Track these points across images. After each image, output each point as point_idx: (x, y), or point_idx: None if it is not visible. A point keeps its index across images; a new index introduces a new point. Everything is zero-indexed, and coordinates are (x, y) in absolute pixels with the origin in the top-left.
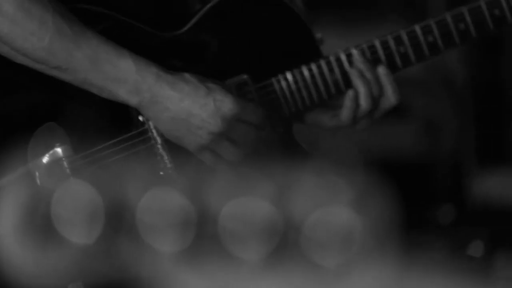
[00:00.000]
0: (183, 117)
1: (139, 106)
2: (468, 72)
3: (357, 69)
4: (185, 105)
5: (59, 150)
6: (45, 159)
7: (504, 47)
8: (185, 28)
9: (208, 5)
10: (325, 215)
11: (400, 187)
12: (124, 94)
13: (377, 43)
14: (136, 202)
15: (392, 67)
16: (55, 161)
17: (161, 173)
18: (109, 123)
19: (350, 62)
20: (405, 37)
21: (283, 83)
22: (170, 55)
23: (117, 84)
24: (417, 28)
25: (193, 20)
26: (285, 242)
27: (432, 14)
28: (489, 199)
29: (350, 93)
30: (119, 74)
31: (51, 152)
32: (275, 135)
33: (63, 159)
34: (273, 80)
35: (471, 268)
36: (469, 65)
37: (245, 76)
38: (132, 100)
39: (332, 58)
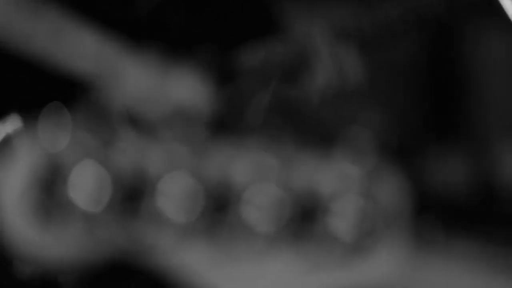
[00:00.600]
0: (139, 94)
1: (101, 80)
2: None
3: (324, 44)
4: (143, 82)
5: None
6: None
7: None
8: (149, 6)
9: None
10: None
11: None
12: (84, 67)
13: (343, 18)
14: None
15: (358, 42)
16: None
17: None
18: (73, 97)
19: (316, 38)
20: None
21: (249, 57)
22: (134, 32)
23: (78, 58)
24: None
25: None
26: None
27: None
28: (441, 181)
29: (316, 67)
30: (81, 49)
31: None
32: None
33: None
34: (241, 54)
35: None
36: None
37: (206, 54)
38: (92, 73)
39: (297, 33)
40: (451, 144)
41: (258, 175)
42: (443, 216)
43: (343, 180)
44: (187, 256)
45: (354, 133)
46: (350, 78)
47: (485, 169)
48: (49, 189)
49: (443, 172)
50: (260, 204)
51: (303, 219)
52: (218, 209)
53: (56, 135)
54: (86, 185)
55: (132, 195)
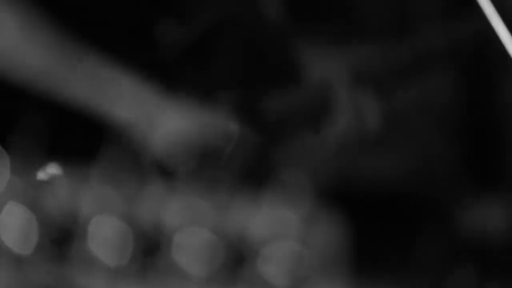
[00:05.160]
0: (175, 139)
1: (136, 126)
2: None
3: (344, 91)
4: (178, 127)
5: (53, 168)
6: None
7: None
8: (178, 49)
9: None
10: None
11: (389, 216)
12: (121, 112)
13: (364, 65)
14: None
15: (379, 90)
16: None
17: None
18: (103, 144)
19: (336, 85)
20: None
21: (276, 106)
22: (161, 76)
23: (114, 101)
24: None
25: (186, 43)
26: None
27: None
28: (479, 231)
29: (337, 116)
30: (117, 91)
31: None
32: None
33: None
34: (265, 101)
35: None
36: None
37: (232, 101)
38: (129, 118)
39: (318, 81)
40: (489, 192)
41: (190, 218)
42: (479, 266)
43: (277, 225)
44: None
45: (290, 177)
46: (369, 124)
47: None
48: None
49: (480, 221)
50: (192, 248)
51: (236, 263)
52: (149, 253)
53: None
54: (14, 227)
55: (62, 238)
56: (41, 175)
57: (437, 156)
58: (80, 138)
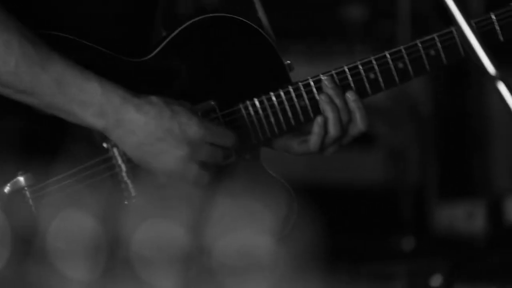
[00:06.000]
0: (148, 141)
1: (105, 130)
2: (433, 104)
3: (326, 95)
4: (150, 129)
5: (21, 179)
6: (7, 189)
7: (470, 80)
8: (152, 54)
9: (175, 31)
10: (243, 242)
11: (362, 214)
12: (89, 117)
13: (346, 69)
14: (99, 231)
15: (361, 93)
16: (18, 190)
17: (126, 202)
18: (73, 150)
19: (319, 88)
20: (374, 63)
21: (251, 110)
22: (138, 81)
23: (83, 107)
24: (387, 54)
25: (160, 46)
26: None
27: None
28: (449, 229)
29: (318, 119)
30: (85, 97)
31: (13, 181)
32: (242, 161)
33: (25, 188)
34: (241, 106)
35: None
36: (435, 97)
37: (212, 102)
38: (97, 123)
39: (300, 84)
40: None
41: None
42: (449, 263)
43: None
44: None
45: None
46: (356, 128)
47: None
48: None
49: (448, 220)
50: None
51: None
52: None
53: None
54: None
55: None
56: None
57: (410, 156)
58: (47, 141)
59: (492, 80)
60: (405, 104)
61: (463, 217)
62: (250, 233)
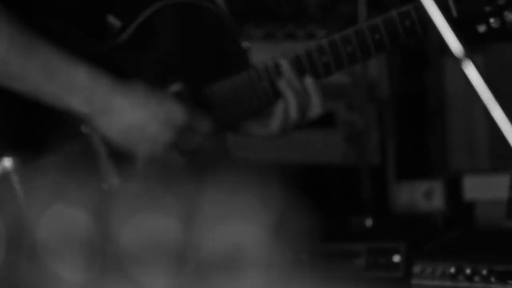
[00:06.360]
0: (134, 127)
1: (89, 116)
2: (391, 85)
3: (286, 79)
4: (137, 115)
5: (7, 162)
6: None
7: (427, 61)
8: (121, 39)
9: (142, 16)
10: (240, 235)
11: (323, 195)
12: (76, 103)
13: (302, 53)
14: (79, 217)
15: (316, 76)
16: (3, 173)
17: (104, 186)
18: (54, 135)
19: (279, 72)
20: (327, 48)
21: (216, 94)
22: (109, 66)
23: (69, 93)
24: (337, 38)
25: (129, 31)
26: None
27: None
28: (408, 209)
29: (280, 104)
30: (72, 84)
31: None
32: (214, 145)
33: (11, 171)
34: (206, 90)
35: (390, 276)
36: (392, 78)
37: (180, 85)
38: (84, 109)
39: (260, 67)
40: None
41: None
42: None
43: None
44: None
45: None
46: (315, 110)
47: None
48: None
49: (408, 199)
50: None
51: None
52: None
53: None
54: None
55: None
56: None
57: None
58: (34, 128)
59: (457, 59)
60: (364, 85)
61: (422, 197)
62: (237, 221)
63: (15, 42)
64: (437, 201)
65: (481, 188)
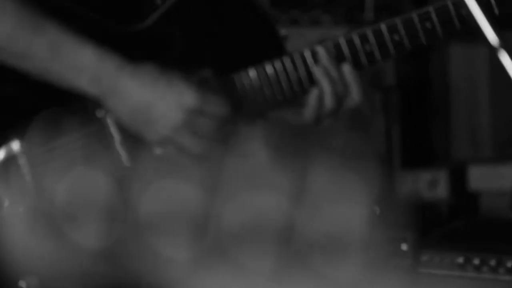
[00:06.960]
0: (143, 109)
1: (100, 97)
2: (396, 72)
3: (322, 67)
4: (146, 97)
5: (15, 144)
6: (1, 154)
7: (433, 49)
8: (148, 22)
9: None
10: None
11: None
12: (84, 83)
13: (342, 41)
14: (93, 200)
15: (357, 65)
16: (12, 156)
17: (118, 170)
18: (67, 119)
19: (315, 60)
20: (371, 36)
21: (245, 80)
22: (133, 50)
23: (77, 73)
24: (383, 27)
25: (156, 14)
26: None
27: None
28: (413, 198)
29: (314, 91)
30: (79, 63)
31: (7, 146)
32: (235, 131)
33: (19, 154)
34: (235, 76)
35: (398, 264)
36: (397, 65)
37: (207, 71)
38: (92, 89)
39: (296, 55)
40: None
41: None
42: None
43: None
44: None
45: None
46: (353, 100)
47: None
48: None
49: (415, 189)
50: None
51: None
52: None
53: None
54: None
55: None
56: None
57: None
58: (39, 109)
59: (494, 49)
60: (369, 72)
61: (426, 186)
62: (255, 197)
63: (22, 18)
64: (442, 191)
65: (486, 178)
